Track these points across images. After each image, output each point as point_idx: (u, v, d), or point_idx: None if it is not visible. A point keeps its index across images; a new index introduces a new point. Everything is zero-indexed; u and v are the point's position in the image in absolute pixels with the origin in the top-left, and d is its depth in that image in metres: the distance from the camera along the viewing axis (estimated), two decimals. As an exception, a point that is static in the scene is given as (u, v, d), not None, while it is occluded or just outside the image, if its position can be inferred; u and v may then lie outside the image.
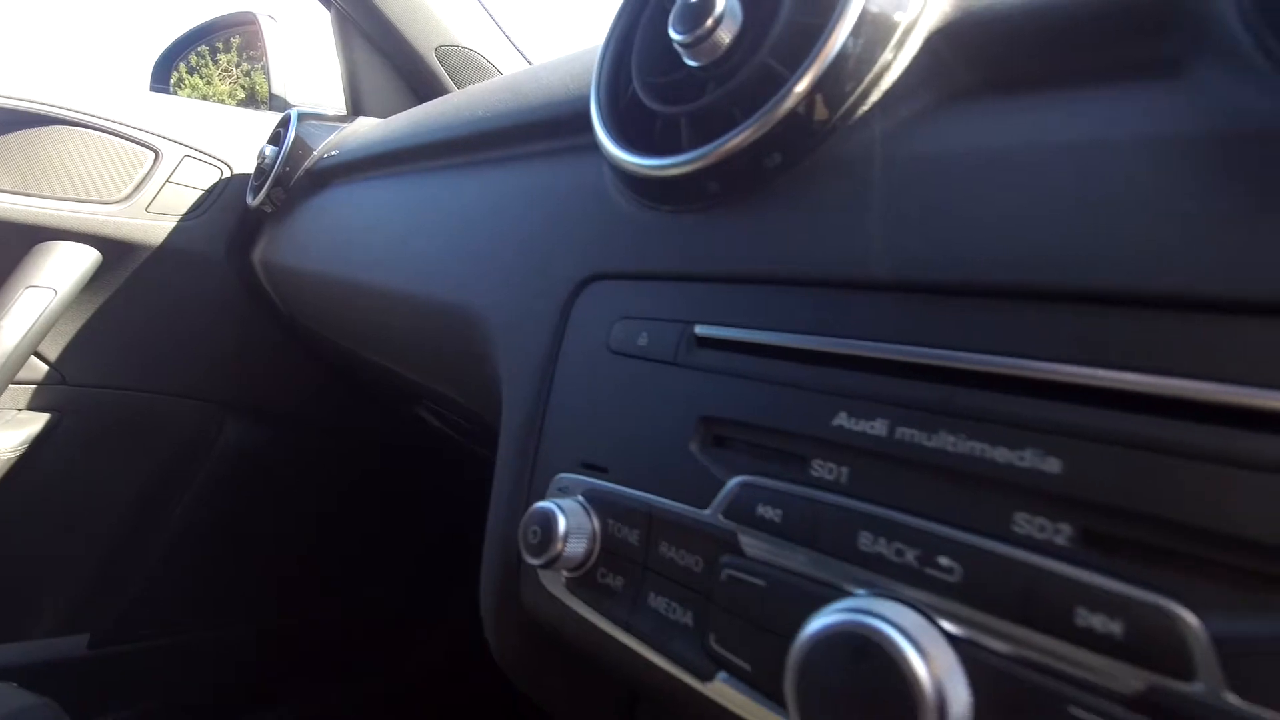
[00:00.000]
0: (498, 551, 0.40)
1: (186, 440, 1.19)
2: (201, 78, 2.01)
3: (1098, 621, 0.21)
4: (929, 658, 0.22)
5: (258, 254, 1.07)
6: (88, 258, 1.06)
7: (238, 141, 1.14)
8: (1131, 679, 0.21)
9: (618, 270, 0.40)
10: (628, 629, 0.33)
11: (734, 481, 0.31)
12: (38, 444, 1.08)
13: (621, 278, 0.40)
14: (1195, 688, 0.20)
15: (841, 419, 0.29)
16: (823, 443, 0.29)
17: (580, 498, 0.37)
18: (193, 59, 1.76)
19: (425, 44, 1.22)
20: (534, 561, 0.35)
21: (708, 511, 0.32)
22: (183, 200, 1.10)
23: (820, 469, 0.29)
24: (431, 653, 1.50)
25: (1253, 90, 0.24)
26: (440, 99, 0.86)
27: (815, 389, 0.30)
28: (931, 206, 0.29)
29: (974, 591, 0.24)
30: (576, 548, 0.35)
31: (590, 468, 0.37)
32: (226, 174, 1.13)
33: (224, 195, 1.13)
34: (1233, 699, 0.19)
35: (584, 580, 0.36)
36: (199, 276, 1.13)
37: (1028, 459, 0.24)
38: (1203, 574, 0.21)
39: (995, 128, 0.30)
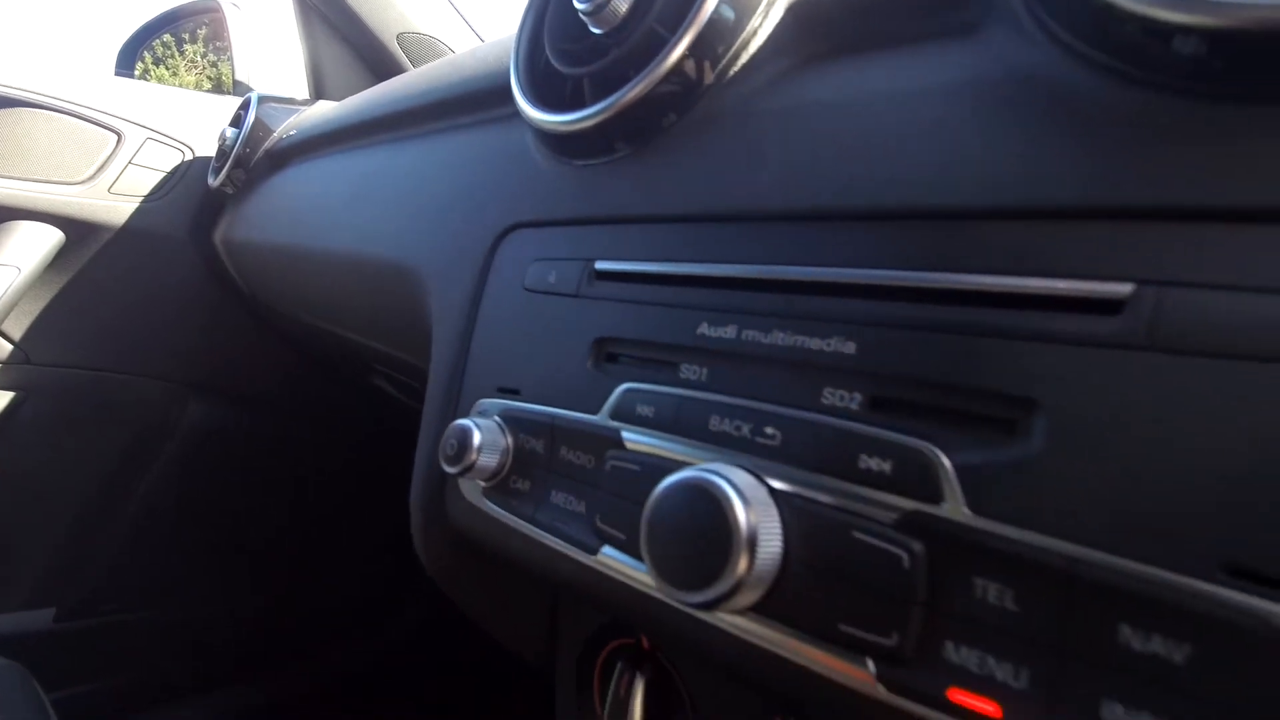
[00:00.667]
0: (424, 472, 0.45)
1: (151, 420, 1.21)
2: (168, 69, 2.02)
3: (874, 464, 0.27)
4: (748, 500, 0.27)
5: (219, 234, 1.11)
6: (51, 238, 1.08)
7: (200, 125, 1.17)
8: (897, 506, 0.26)
9: (534, 219, 0.45)
10: (532, 521, 0.38)
11: (620, 389, 0.36)
12: (1, 422, 1.10)
13: (537, 225, 0.45)
14: (943, 508, 0.25)
15: (704, 328, 0.34)
16: (689, 349, 0.34)
17: (496, 418, 0.41)
18: (159, 49, 1.77)
19: (387, 31, 1.26)
20: (451, 470, 0.40)
21: (598, 416, 0.37)
22: (145, 182, 1.13)
23: (687, 371, 0.34)
24: (401, 634, 1.53)
25: (1025, 45, 0.29)
26: (395, 78, 0.90)
27: (685, 306, 0.35)
28: (784, 150, 0.35)
29: (789, 450, 0.29)
30: (489, 460, 0.40)
31: (505, 391, 0.42)
32: (189, 156, 1.16)
33: (186, 177, 1.16)
34: (967, 513, 0.25)
35: (498, 487, 0.41)
36: (162, 257, 1.15)
37: (833, 344, 0.29)
38: (953, 422, 0.26)
39: (838, 83, 0.35)
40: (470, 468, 0.39)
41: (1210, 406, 0.21)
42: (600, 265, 0.40)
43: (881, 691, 0.25)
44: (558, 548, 0.37)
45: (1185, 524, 0.21)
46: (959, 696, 0.24)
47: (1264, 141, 0.22)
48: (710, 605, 0.27)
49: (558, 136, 0.44)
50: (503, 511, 0.40)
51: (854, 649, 0.26)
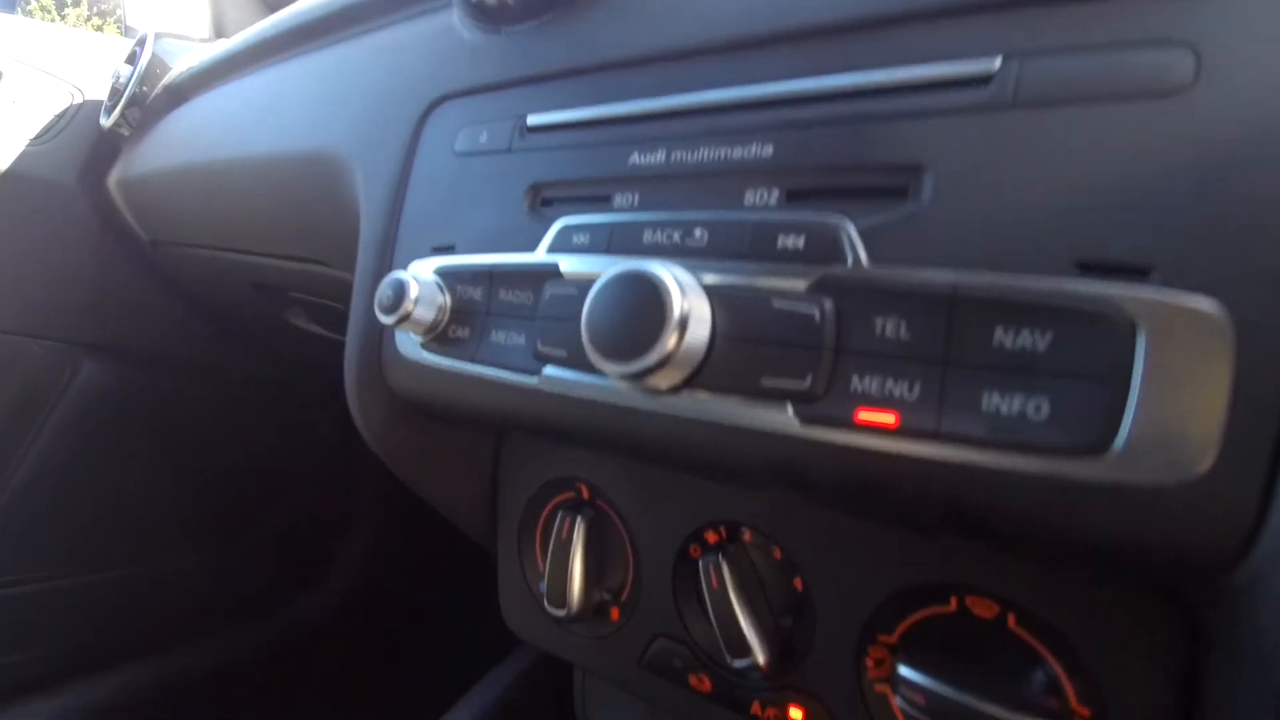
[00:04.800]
0: (359, 332, 0.46)
1: (38, 383, 1.13)
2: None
3: (790, 241, 0.30)
4: (684, 288, 0.30)
5: (114, 177, 1.05)
6: (-81, 179, 1.00)
7: (91, 65, 1.11)
8: (809, 274, 0.29)
9: (462, 88, 0.46)
10: (474, 360, 0.40)
11: (556, 225, 0.38)
12: None
13: (466, 94, 0.46)
14: (848, 267, 0.29)
15: (634, 158, 0.36)
16: (621, 179, 0.37)
17: (433, 274, 0.43)
18: (35, 11, 1.65)
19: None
20: (388, 320, 0.40)
21: (536, 253, 0.39)
22: (30, 123, 1.05)
23: (619, 200, 0.37)
24: (311, 608, 1.48)
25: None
26: None
27: (615, 142, 0.37)
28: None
29: (716, 247, 0.32)
30: (426, 313, 0.41)
31: (440, 249, 0.43)
32: (79, 99, 1.10)
33: (76, 119, 1.09)
34: (868, 266, 0.28)
35: (438, 338, 0.42)
36: (48, 204, 1.08)
37: (753, 150, 0.32)
38: (856, 196, 0.30)
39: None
40: (407, 318, 0.40)
41: (1062, 143, 0.26)
42: (532, 119, 0.42)
43: (799, 428, 0.29)
44: (500, 378, 0.38)
45: (1042, 236, 0.25)
46: (863, 415, 0.27)
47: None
48: (640, 375, 0.30)
49: (490, 7, 0.45)
50: (442, 359, 0.41)
51: (774, 398, 0.29)
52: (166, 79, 0.99)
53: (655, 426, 0.33)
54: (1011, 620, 0.33)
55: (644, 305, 0.30)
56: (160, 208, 0.94)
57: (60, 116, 1.08)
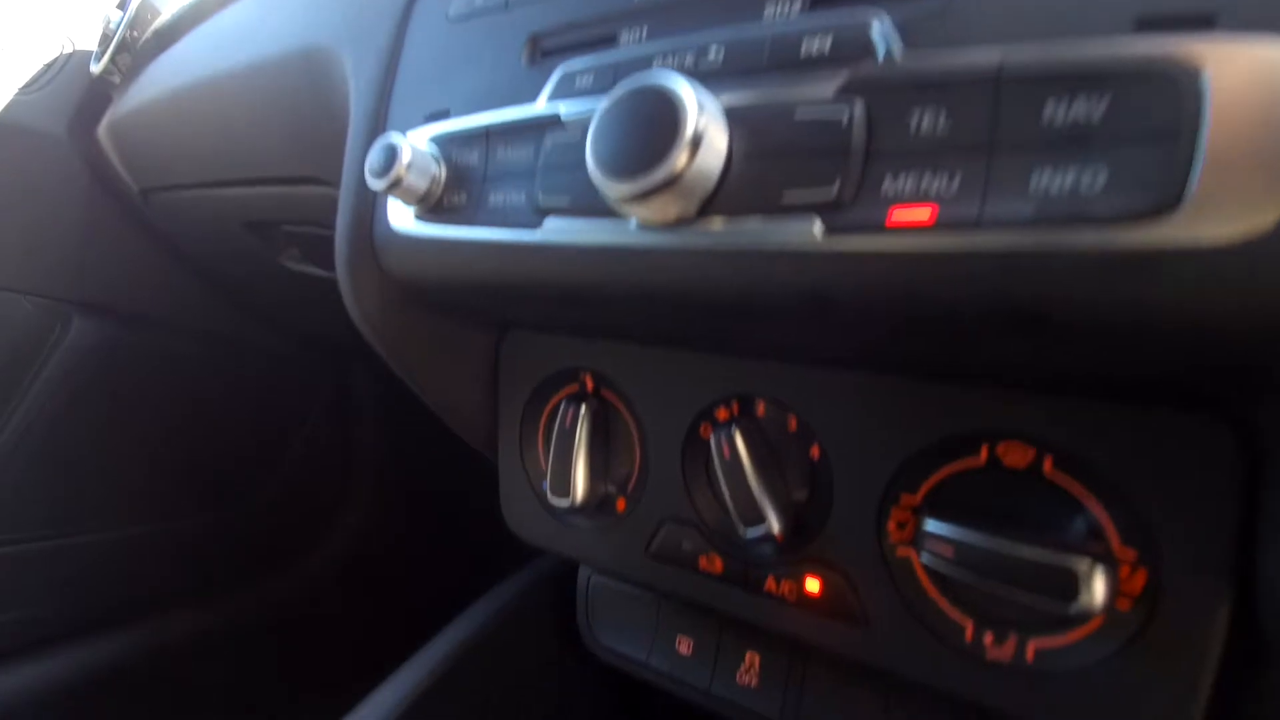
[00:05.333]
0: (349, 215, 0.43)
1: (27, 340, 1.11)
2: None
3: (816, 45, 0.28)
4: (698, 98, 0.28)
5: (104, 126, 1.03)
6: (-97, 126, 0.97)
7: (82, 15, 1.08)
8: (838, 77, 0.27)
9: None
10: (472, 223, 0.37)
11: (558, 71, 0.36)
12: None
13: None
14: (881, 62, 0.26)
15: (641, -10, 0.34)
16: (626, 14, 0.34)
17: (428, 142, 0.40)
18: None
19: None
20: (379, 184, 0.38)
21: (535, 104, 0.36)
22: (19, 73, 1.03)
23: (627, 36, 0.34)
24: (312, 574, 1.46)
25: None
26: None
27: None
28: None
29: (734, 64, 0.30)
30: (419, 181, 0.38)
31: (434, 116, 0.41)
32: (69, 48, 1.07)
33: (66, 69, 1.07)
34: (903, 56, 0.26)
35: (433, 208, 0.39)
36: (37, 155, 1.06)
37: (771, -40, 0.30)
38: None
39: None
40: (399, 183, 0.38)
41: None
42: (530, -29, 0.39)
43: (825, 242, 0.26)
44: (499, 239, 0.36)
45: (1095, -4, 0.23)
46: (897, 215, 0.25)
47: None
48: (647, 194, 0.27)
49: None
50: (438, 226, 0.39)
51: (798, 213, 0.27)
52: (156, 23, 0.97)
53: (667, 266, 0.31)
54: (1048, 465, 0.30)
55: (655, 119, 0.28)
56: (149, 147, 0.92)
57: (50, 66, 1.06)
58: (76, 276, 1.15)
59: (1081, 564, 0.28)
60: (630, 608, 0.54)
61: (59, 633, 1.14)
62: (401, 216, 0.41)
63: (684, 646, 0.50)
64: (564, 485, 0.43)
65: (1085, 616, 0.30)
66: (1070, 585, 0.28)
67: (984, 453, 0.32)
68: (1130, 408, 0.29)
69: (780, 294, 0.29)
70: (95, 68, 1.01)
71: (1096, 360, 0.26)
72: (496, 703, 0.54)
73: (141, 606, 1.24)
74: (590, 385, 0.45)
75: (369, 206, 0.42)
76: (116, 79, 1.01)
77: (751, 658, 0.48)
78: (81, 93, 1.07)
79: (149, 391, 1.23)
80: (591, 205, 0.32)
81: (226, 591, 1.35)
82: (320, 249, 0.82)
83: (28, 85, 1.05)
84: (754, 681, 0.47)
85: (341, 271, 0.44)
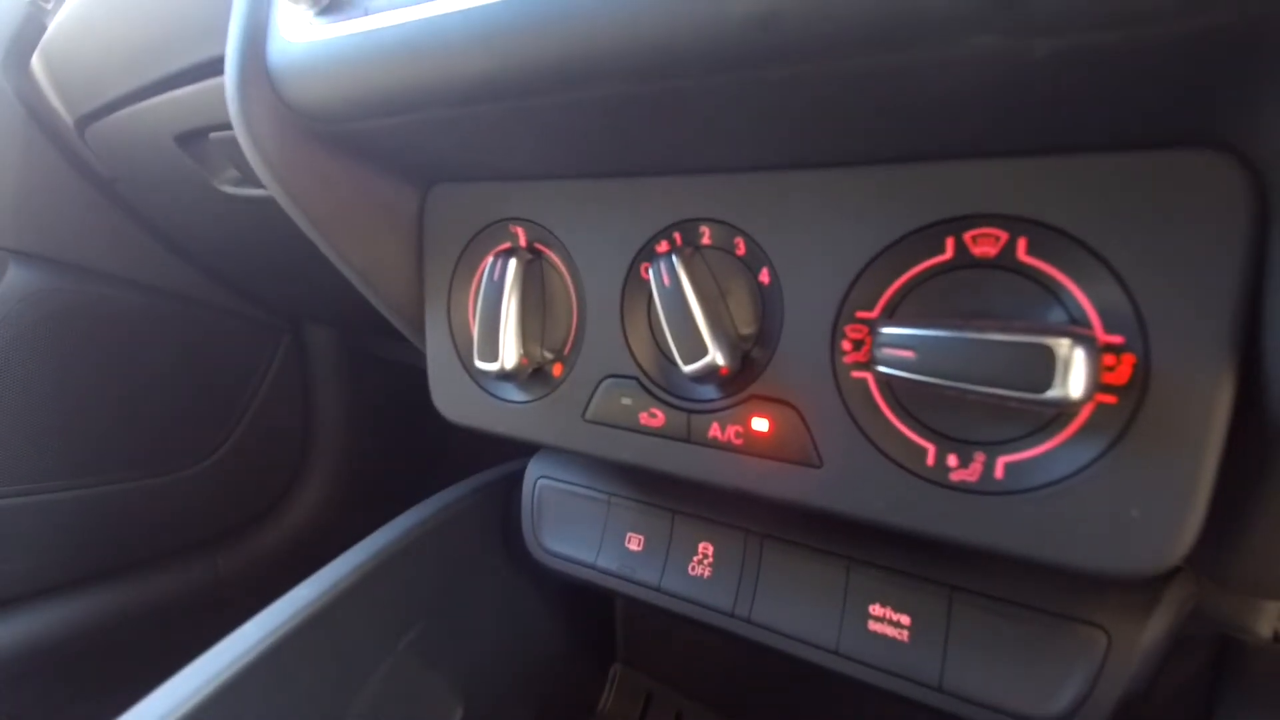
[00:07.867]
0: (240, 32, 0.37)
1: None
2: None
3: None
4: None
5: (36, 56, 0.97)
6: None
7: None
8: None
9: None
10: (373, 9, 0.32)
11: None
12: None
13: None
14: None
15: None
16: None
17: None
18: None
19: None
20: None
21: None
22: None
23: None
24: (265, 545, 1.39)
25: None
26: None
27: None
28: None
29: None
30: None
31: None
32: (-1, -21, 1.01)
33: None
34: None
35: (332, 4, 0.34)
36: (-34, 92, 1.00)
37: None
38: None
39: None
40: None
41: None
42: None
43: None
44: (409, 21, 0.31)
45: None
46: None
47: None
48: None
49: None
50: (339, 22, 0.34)
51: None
52: (91, -60, 0.91)
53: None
54: (1022, 248, 0.26)
55: None
56: (78, 64, 0.87)
57: (-21, -4, 1.00)
58: (12, 221, 1.09)
59: (1060, 344, 0.24)
60: (578, 509, 0.49)
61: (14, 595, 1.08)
62: (296, 24, 0.36)
63: (634, 543, 0.46)
64: (492, 348, 0.38)
65: (1061, 418, 0.26)
66: (1048, 369, 0.24)
67: (949, 246, 0.28)
68: (1111, 158, 0.25)
69: (716, 42, 0.25)
70: (26, -7, 0.95)
71: (1072, 84, 0.22)
72: (425, 601, 0.49)
73: (96, 571, 1.18)
74: (524, 240, 0.40)
75: (262, 23, 0.37)
76: (49, 4, 0.95)
77: (705, 548, 0.44)
78: (15, 28, 1.01)
79: (89, 346, 1.17)
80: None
81: (181, 556, 1.29)
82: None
83: (-44, 17, 0.99)
84: (706, 573, 0.43)
85: (233, 105, 0.38)
